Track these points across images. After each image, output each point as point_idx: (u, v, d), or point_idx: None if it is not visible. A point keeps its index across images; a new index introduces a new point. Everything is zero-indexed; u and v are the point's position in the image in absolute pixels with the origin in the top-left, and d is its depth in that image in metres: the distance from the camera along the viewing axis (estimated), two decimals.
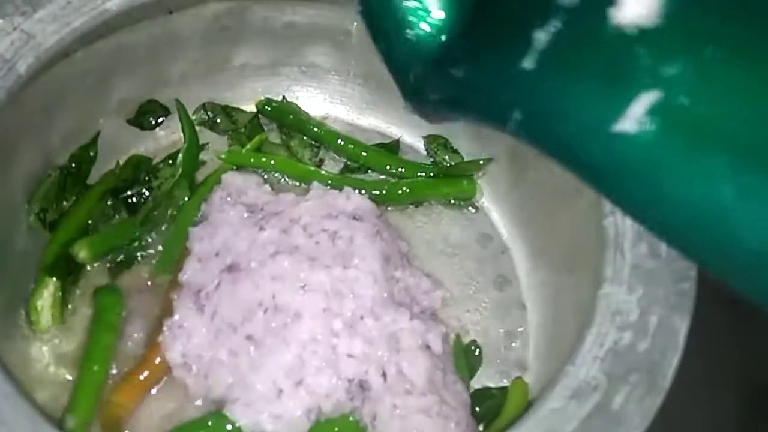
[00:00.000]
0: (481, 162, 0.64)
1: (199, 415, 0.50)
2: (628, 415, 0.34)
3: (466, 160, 0.66)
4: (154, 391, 0.51)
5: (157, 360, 0.52)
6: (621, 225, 0.42)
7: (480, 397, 0.54)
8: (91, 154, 0.60)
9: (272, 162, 0.64)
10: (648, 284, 0.39)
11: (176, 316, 0.52)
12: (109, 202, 0.59)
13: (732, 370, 0.68)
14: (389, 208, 0.64)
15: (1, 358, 0.40)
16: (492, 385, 0.56)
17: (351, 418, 0.50)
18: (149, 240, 0.59)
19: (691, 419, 0.62)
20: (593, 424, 0.34)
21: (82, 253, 0.55)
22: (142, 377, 0.51)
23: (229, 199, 0.59)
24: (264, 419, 0.48)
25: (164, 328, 0.52)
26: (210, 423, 0.49)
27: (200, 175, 0.63)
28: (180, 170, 0.61)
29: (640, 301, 0.39)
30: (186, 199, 0.60)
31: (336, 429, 0.50)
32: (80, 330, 0.54)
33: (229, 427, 0.49)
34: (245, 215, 0.57)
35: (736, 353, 0.68)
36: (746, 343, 0.70)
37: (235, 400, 0.49)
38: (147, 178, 0.61)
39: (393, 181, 0.65)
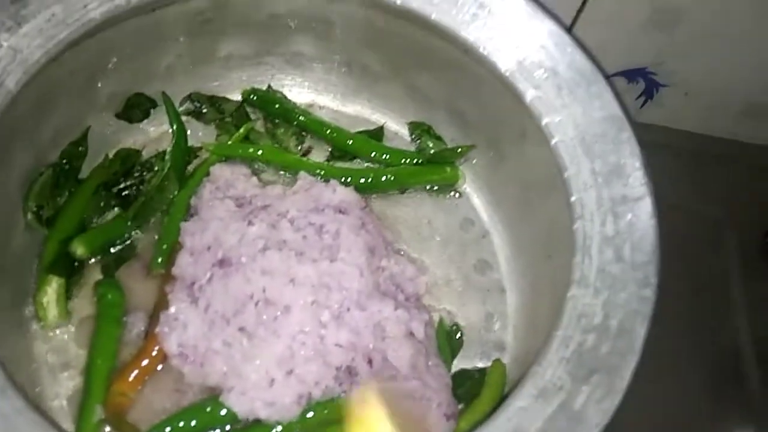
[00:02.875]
0: (463, 149, 0.66)
1: (195, 401, 0.53)
2: (588, 415, 0.38)
3: (448, 146, 0.68)
4: (152, 379, 0.54)
5: (155, 350, 0.55)
6: (589, 230, 0.44)
7: (461, 378, 0.58)
8: (81, 149, 0.61)
9: (259, 152, 0.66)
10: (612, 288, 0.42)
11: (172, 309, 0.55)
12: (102, 196, 0.61)
13: (697, 339, 0.71)
14: (374, 196, 0.66)
15: (8, 365, 0.42)
16: (473, 366, 0.59)
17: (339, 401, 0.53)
18: (141, 233, 0.61)
19: (661, 389, 0.66)
20: (557, 422, 0.37)
21: (79, 249, 0.57)
22: (141, 367, 0.54)
23: (218, 192, 0.61)
24: (258, 406, 0.52)
25: (161, 320, 0.55)
26: (208, 409, 0.53)
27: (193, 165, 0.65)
28: (168, 164, 0.62)
29: (604, 305, 0.41)
30: (176, 192, 0.61)
31: (326, 411, 0.53)
32: (82, 323, 0.57)
33: (224, 412, 0.52)
34: (234, 209, 0.59)
35: (699, 323, 0.71)
36: (708, 312, 0.73)
37: (230, 388, 0.52)
38: (140, 172, 0.63)
39: (378, 168, 0.67)
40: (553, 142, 0.49)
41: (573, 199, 0.46)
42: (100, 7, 0.49)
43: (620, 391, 0.38)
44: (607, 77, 0.51)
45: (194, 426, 0.52)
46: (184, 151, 0.64)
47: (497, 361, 0.58)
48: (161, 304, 0.56)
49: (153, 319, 0.56)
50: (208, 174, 0.63)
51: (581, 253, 0.43)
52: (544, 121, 0.50)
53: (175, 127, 0.64)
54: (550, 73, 0.50)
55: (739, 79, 0.78)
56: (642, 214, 0.45)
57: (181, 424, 0.52)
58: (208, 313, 0.55)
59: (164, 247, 0.59)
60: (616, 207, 0.45)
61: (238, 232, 0.57)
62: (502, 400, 0.54)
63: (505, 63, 0.52)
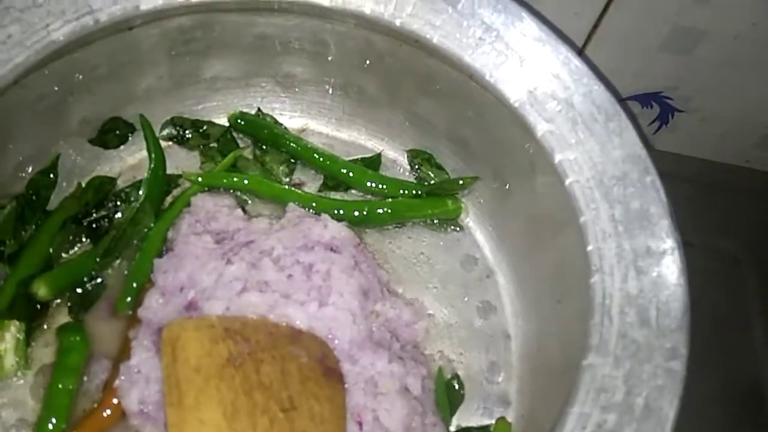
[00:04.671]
0: (466, 180, 0.61)
1: None
2: None
3: (450, 177, 0.63)
4: None
5: (112, 406, 0.49)
6: (609, 286, 0.39)
7: None
8: (51, 177, 0.56)
9: (245, 182, 0.60)
10: (635, 358, 0.36)
11: (133, 360, 0.49)
12: (71, 229, 0.56)
13: (718, 378, 0.67)
14: (369, 230, 0.61)
15: None
16: (474, 423, 0.54)
17: None
18: (112, 271, 0.55)
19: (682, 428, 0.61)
20: None
21: (41, 291, 0.52)
22: (95, 426, 0.48)
23: (198, 225, 0.56)
24: None
25: (121, 372, 0.49)
26: None
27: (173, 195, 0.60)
28: (144, 194, 0.57)
29: (626, 378, 0.36)
30: (151, 225, 0.56)
31: None
32: (43, 372, 0.51)
33: None
34: (213, 246, 0.54)
35: (719, 361, 0.67)
36: (728, 351, 0.69)
37: None
38: (114, 203, 0.58)
39: (373, 200, 0.62)
40: (567, 182, 0.43)
41: (590, 248, 0.41)
42: (64, 27, 0.44)
43: None
44: (620, 101, 0.47)
45: None
46: (162, 180, 0.59)
47: (502, 419, 0.53)
48: (123, 352, 0.51)
49: (114, 369, 0.50)
50: (188, 205, 0.58)
51: (600, 314, 0.38)
52: (557, 158, 0.44)
53: (153, 153, 0.59)
54: (564, 106, 0.45)
55: (758, 104, 0.74)
56: (670, 271, 0.39)
57: None
58: None
59: (134, 285, 0.54)
60: (639, 261, 0.40)
61: (215, 271, 0.52)
62: None
63: (514, 93, 0.47)
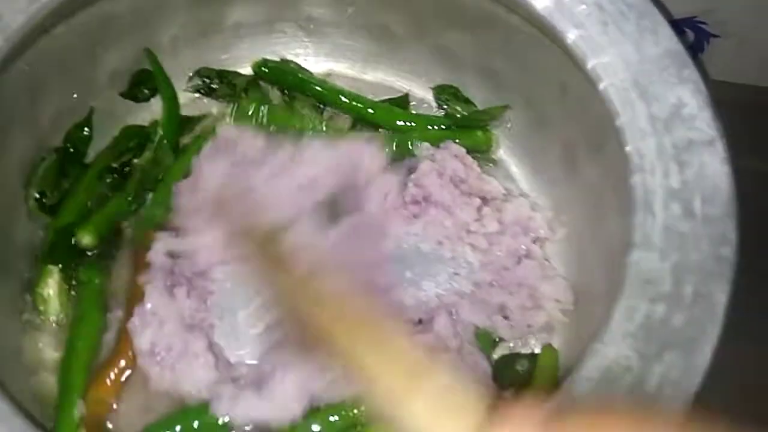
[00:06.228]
0: (496, 110, 0.60)
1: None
2: (665, 398, 0.31)
3: (479, 109, 0.62)
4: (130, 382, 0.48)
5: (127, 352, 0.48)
6: (650, 182, 0.38)
7: (505, 364, 0.52)
8: (85, 132, 0.57)
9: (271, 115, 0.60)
10: (682, 249, 0.35)
11: (148, 303, 0.48)
12: (108, 180, 0.57)
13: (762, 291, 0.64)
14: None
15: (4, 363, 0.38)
16: (517, 350, 0.53)
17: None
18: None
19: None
20: None
21: (85, 239, 0.53)
22: (117, 369, 0.48)
23: (218, 151, 0.53)
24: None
25: (134, 314, 0.48)
26: (196, 414, 0.46)
27: None
28: (160, 132, 0.57)
29: (673, 269, 0.35)
30: (170, 163, 0.56)
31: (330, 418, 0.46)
32: None
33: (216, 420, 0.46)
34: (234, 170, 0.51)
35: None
36: None
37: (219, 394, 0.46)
38: (141, 146, 0.58)
39: (402, 134, 0.61)
40: (601, 86, 0.42)
41: (628, 149, 0.40)
42: None
43: (701, 367, 0.32)
44: None
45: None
46: (175, 114, 0.59)
47: (548, 346, 0.52)
48: (135, 297, 0.49)
49: (126, 315, 0.49)
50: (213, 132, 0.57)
51: (642, 211, 0.37)
52: (590, 63, 0.43)
53: (164, 90, 0.59)
54: (594, 8, 0.44)
55: None
56: (712, 161, 0.38)
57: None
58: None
59: (152, 213, 0.54)
60: (680, 155, 0.39)
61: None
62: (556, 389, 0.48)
63: (541, 1, 0.46)
